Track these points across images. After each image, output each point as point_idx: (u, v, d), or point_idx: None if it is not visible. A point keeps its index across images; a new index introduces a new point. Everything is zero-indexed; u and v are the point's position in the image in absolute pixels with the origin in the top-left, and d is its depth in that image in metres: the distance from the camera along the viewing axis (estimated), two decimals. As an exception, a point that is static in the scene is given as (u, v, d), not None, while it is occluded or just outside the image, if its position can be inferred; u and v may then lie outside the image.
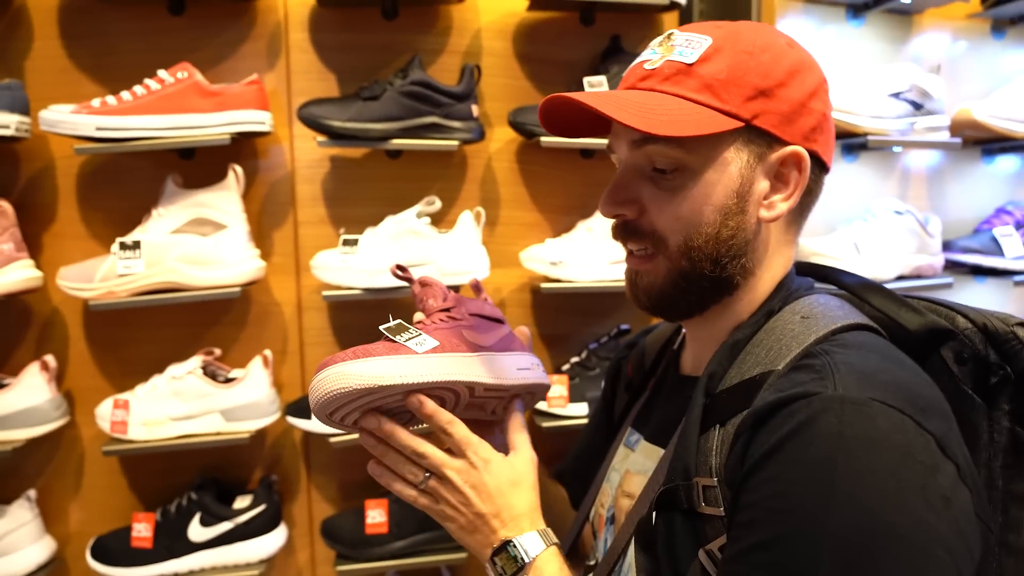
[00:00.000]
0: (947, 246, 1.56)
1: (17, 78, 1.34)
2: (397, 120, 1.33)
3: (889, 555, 0.46)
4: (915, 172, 1.65)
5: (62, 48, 1.38)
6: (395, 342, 0.64)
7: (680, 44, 0.62)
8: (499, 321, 0.75)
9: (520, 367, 0.72)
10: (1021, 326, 0.60)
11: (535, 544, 0.63)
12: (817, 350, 0.57)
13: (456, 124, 1.37)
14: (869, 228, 1.45)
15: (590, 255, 1.40)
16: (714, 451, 0.58)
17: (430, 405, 0.64)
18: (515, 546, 0.63)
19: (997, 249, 1.53)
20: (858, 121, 1.36)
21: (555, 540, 0.65)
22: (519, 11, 1.49)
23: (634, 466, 0.72)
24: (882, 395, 0.50)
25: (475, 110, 1.40)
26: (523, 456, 0.68)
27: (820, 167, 0.65)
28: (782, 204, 0.63)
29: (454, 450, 0.65)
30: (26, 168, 1.39)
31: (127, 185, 1.41)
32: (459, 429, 0.65)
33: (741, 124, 0.60)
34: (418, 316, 0.74)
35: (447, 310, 0.72)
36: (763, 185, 0.62)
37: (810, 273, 0.72)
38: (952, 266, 1.59)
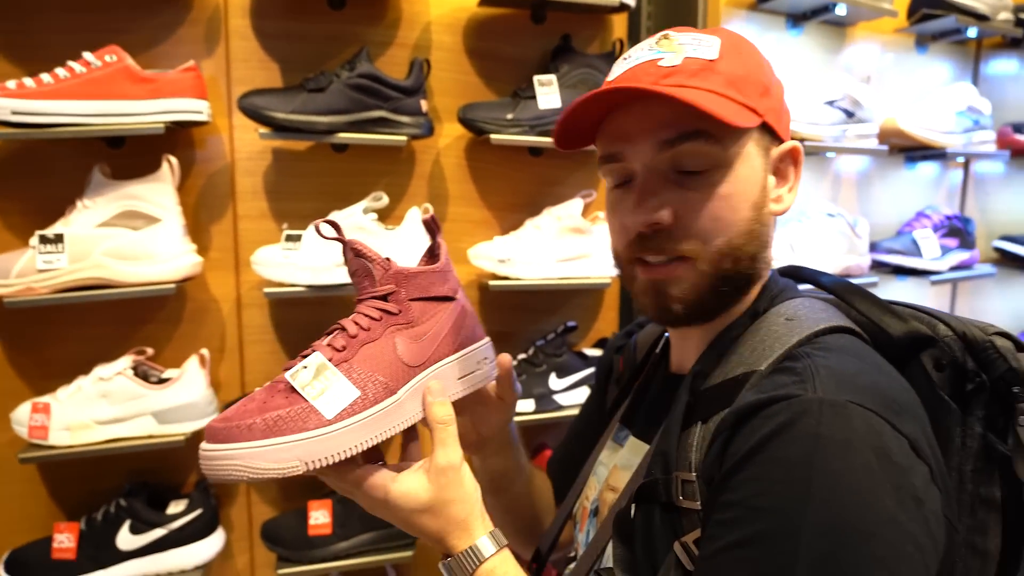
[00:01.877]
0: (873, 247, 1.65)
1: (-80, 55, 1.23)
2: (343, 113, 1.30)
3: (863, 552, 0.47)
4: (846, 176, 1.74)
5: (-27, 25, 1.28)
6: (303, 399, 0.56)
7: (690, 43, 0.62)
8: (449, 299, 0.66)
9: (463, 373, 0.67)
10: (999, 335, 0.61)
11: (477, 555, 0.60)
12: (799, 352, 0.58)
13: (404, 119, 1.34)
14: (803, 229, 1.51)
15: (538, 253, 1.41)
16: (694, 447, 0.58)
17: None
18: (458, 560, 0.61)
19: (916, 250, 1.63)
20: (796, 128, 1.42)
21: (503, 543, 0.62)
22: (470, 6, 1.48)
23: (621, 461, 0.72)
24: (859, 398, 0.52)
25: (424, 105, 1.38)
26: (443, 466, 0.61)
27: None
28: (788, 196, 0.66)
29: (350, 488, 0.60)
30: (-68, 153, 1.28)
31: (48, 174, 1.32)
32: (347, 476, 0.59)
33: (760, 120, 0.62)
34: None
35: (384, 298, 0.62)
36: (771, 180, 0.65)
37: (791, 275, 0.73)
38: (877, 266, 1.68)
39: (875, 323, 0.64)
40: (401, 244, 1.36)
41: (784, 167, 0.66)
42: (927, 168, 1.83)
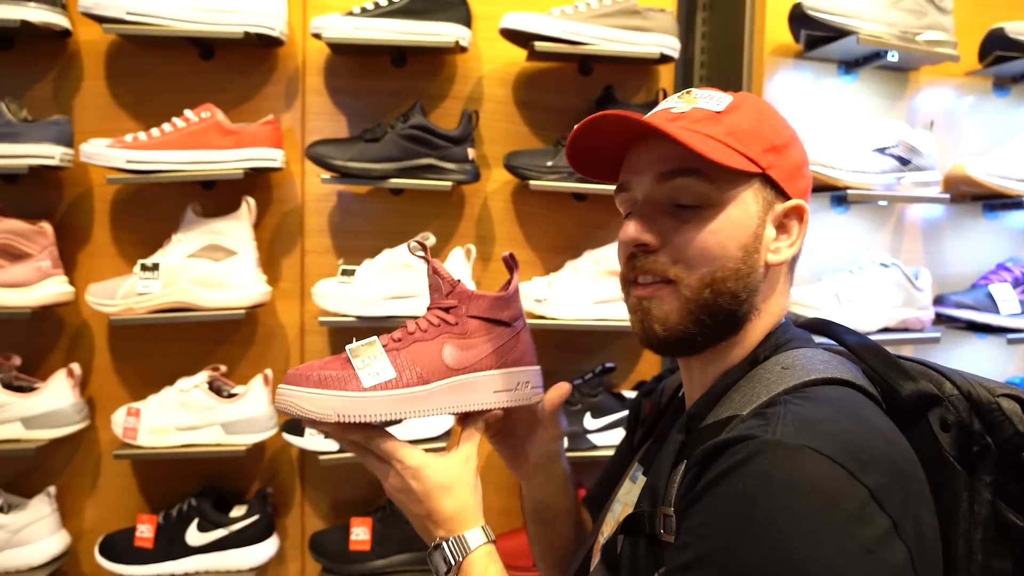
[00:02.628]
0: (940, 300, 1.56)
1: (67, 114, 1.50)
2: (395, 161, 1.43)
3: None
4: (910, 225, 1.66)
5: (107, 88, 1.54)
6: (352, 367, 0.69)
7: (703, 97, 0.69)
8: (505, 324, 0.75)
9: (498, 389, 0.74)
10: (1007, 397, 0.60)
11: (464, 545, 0.67)
12: (779, 399, 0.59)
13: (450, 166, 1.46)
14: (853, 280, 1.46)
15: (574, 294, 1.46)
16: (676, 483, 0.62)
17: (338, 432, 0.69)
18: (446, 547, 0.67)
19: (992, 305, 1.51)
20: (837, 175, 1.39)
21: (491, 538, 0.68)
22: (519, 60, 1.58)
23: (632, 499, 0.74)
24: (817, 443, 0.52)
25: (471, 153, 1.49)
26: (457, 458, 0.70)
27: None
28: (787, 249, 0.68)
29: (382, 458, 0.70)
30: (68, 193, 1.54)
31: (155, 211, 1.55)
32: (378, 443, 0.69)
33: (759, 171, 0.66)
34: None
35: (446, 309, 0.73)
36: (771, 231, 0.68)
37: (813, 327, 0.74)
38: (946, 320, 1.58)
39: (887, 381, 0.64)
40: (443, 281, 1.47)
41: (788, 222, 0.69)
42: (1014, 218, 1.70)
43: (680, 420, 0.66)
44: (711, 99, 0.68)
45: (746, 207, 0.66)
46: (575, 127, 0.69)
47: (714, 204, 0.65)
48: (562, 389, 0.83)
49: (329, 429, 0.69)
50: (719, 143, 0.64)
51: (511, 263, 0.79)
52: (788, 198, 0.68)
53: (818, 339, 0.73)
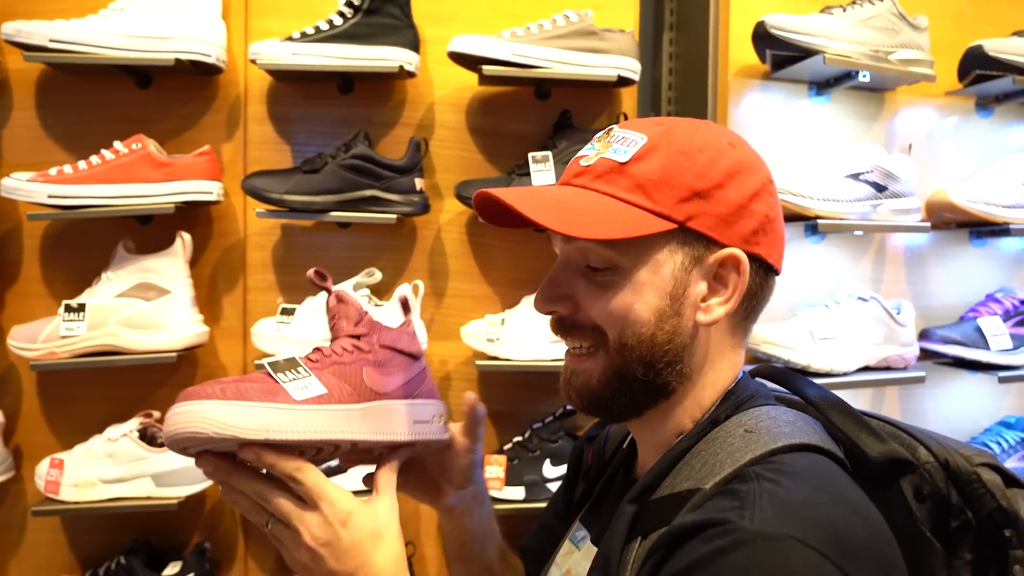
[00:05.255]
0: (926, 335, 1.45)
1: (-6, 146, 1.42)
2: (336, 193, 1.35)
3: None
4: (892, 254, 1.56)
5: (37, 118, 1.46)
6: (275, 381, 0.60)
7: (616, 141, 0.62)
8: (414, 357, 0.72)
9: (418, 419, 0.69)
10: (986, 467, 0.56)
11: None
12: (748, 472, 0.54)
13: (395, 197, 1.37)
14: (829, 315, 1.36)
15: (528, 333, 1.36)
16: (631, 564, 0.56)
17: (269, 457, 0.59)
18: None
19: (981, 340, 1.41)
20: (806, 203, 1.30)
21: None
22: (472, 85, 1.50)
23: (575, 567, 0.69)
24: (802, 533, 0.47)
25: (419, 183, 1.41)
26: (385, 502, 0.64)
27: (767, 269, 0.63)
28: (719, 308, 0.61)
29: (306, 500, 0.60)
30: (-6, 229, 1.46)
31: (89, 247, 1.46)
32: (310, 476, 0.60)
33: (674, 226, 0.59)
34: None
35: (357, 337, 0.68)
36: (700, 287, 0.61)
37: (772, 377, 0.69)
38: (933, 356, 1.47)
39: (852, 440, 0.60)
40: (387, 319, 1.37)
41: (724, 274, 0.61)
42: (1004, 244, 1.60)
43: (633, 489, 0.60)
44: (623, 143, 0.62)
45: (657, 269, 0.60)
46: (473, 197, 0.65)
47: (621, 268, 0.60)
48: (471, 395, 0.77)
49: (248, 455, 0.58)
50: (620, 202, 0.59)
51: (406, 305, 0.77)
52: (723, 246, 0.60)
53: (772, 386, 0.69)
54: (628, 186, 0.60)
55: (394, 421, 0.66)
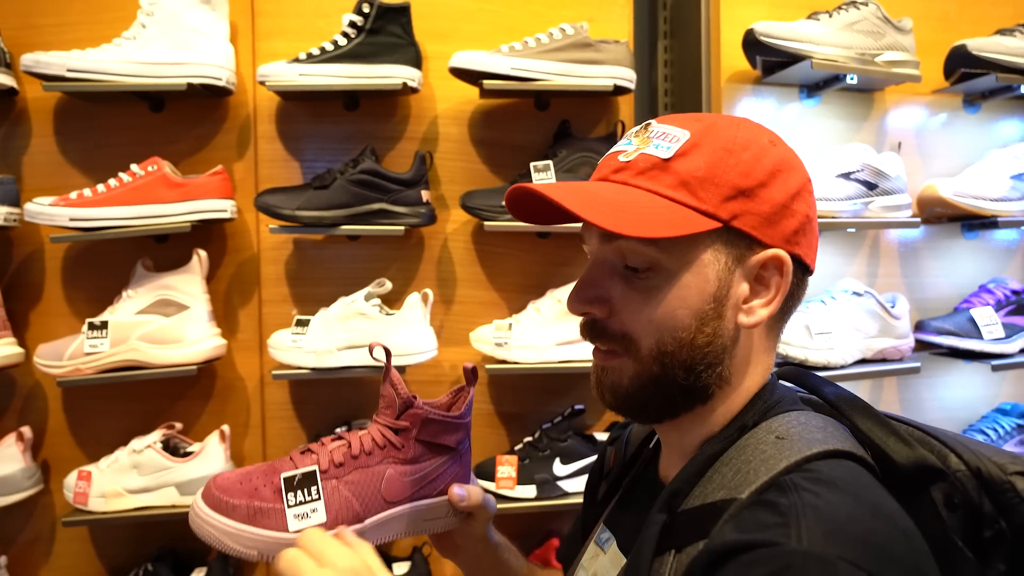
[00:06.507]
0: (920, 326, 1.49)
1: (15, 173, 1.48)
2: (345, 207, 1.40)
3: None
4: (886, 248, 1.60)
5: (56, 144, 1.52)
6: (282, 502, 0.68)
7: (656, 137, 0.60)
8: (451, 449, 0.74)
9: (427, 519, 0.74)
10: (1020, 475, 0.54)
11: None
12: (785, 482, 0.52)
13: (403, 209, 1.42)
14: (825, 310, 1.40)
15: (536, 336, 1.41)
16: None
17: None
18: None
19: (975, 330, 1.45)
20: (800, 205, 1.34)
21: None
22: (474, 98, 1.55)
23: (601, 570, 0.68)
24: (851, 554, 0.46)
25: (426, 195, 1.46)
26: (365, 547, 0.62)
27: (803, 270, 0.62)
28: (762, 310, 0.59)
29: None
30: (18, 252, 1.51)
31: (108, 267, 1.51)
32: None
33: (719, 225, 0.57)
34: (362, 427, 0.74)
35: (396, 431, 0.71)
36: (743, 289, 0.59)
37: (792, 378, 0.68)
38: (928, 347, 1.51)
39: (878, 445, 0.58)
40: (399, 328, 1.42)
41: (767, 275, 0.59)
42: (998, 235, 1.64)
43: (662, 496, 0.58)
44: (664, 139, 0.59)
45: (702, 270, 0.58)
46: (508, 191, 0.63)
47: (664, 269, 0.58)
48: (476, 491, 0.76)
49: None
50: (665, 200, 0.57)
51: (471, 376, 0.76)
52: (766, 247, 0.58)
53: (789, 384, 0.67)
54: (672, 183, 0.57)
55: (397, 526, 0.72)
